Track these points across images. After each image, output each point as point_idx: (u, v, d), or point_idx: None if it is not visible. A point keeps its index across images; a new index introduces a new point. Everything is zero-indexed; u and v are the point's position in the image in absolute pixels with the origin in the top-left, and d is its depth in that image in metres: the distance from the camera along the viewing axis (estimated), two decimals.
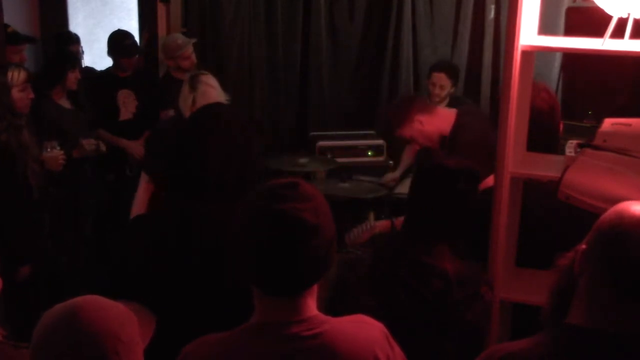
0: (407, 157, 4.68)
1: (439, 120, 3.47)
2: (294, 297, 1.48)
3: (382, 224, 3.64)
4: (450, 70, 4.82)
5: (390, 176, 4.64)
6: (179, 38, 4.92)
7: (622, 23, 2.12)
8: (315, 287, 1.52)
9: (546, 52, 4.51)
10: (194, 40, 4.93)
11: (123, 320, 1.38)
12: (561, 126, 2.58)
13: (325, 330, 1.49)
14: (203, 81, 3.42)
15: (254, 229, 1.45)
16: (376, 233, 3.54)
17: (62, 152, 3.84)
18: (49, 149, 3.78)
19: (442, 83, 4.70)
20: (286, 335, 1.46)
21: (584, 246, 1.42)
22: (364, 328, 1.56)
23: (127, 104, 4.93)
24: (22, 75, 3.62)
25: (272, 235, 1.43)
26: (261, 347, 1.47)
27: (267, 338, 1.48)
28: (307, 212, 1.42)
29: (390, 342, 1.58)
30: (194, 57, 4.89)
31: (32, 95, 3.68)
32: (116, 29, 5.08)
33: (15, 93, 3.53)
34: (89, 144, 4.20)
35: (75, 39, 5.12)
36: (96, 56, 5.45)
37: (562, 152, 2.22)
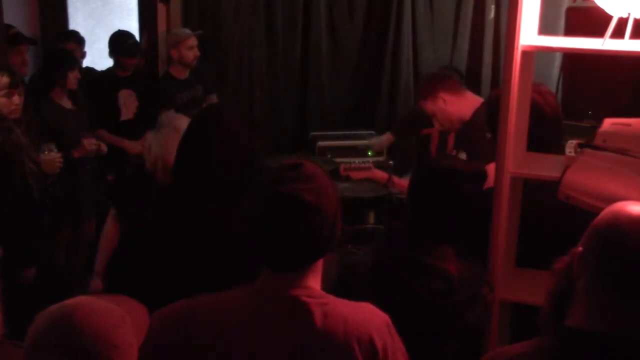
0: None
1: (463, 104, 3.46)
2: (297, 273, 1.54)
3: (380, 174, 3.64)
4: None
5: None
6: (186, 29, 5.02)
7: (622, 23, 2.12)
8: (319, 266, 1.57)
9: (546, 52, 4.51)
10: (199, 32, 5.03)
11: (116, 323, 1.37)
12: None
13: (325, 302, 1.53)
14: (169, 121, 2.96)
15: (260, 209, 1.54)
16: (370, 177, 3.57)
17: (59, 154, 3.72)
18: (46, 151, 3.64)
19: None
20: (285, 297, 1.51)
21: (580, 248, 1.41)
22: (365, 312, 1.58)
23: (127, 104, 4.93)
24: (4, 80, 3.38)
25: (274, 214, 1.51)
26: (258, 304, 1.52)
27: (266, 298, 1.53)
28: (307, 192, 1.49)
29: (391, 332, 1.59)
30: (197, 51, 4.93)
31: (18, 101, 3.45)
32: (116, 29, 5.07)
33: None
34: (90, 143, 4.17)
35: (78, 39, 5.11)
36: (96, 56, 5.45)
37: (562, 152, 2.23)
